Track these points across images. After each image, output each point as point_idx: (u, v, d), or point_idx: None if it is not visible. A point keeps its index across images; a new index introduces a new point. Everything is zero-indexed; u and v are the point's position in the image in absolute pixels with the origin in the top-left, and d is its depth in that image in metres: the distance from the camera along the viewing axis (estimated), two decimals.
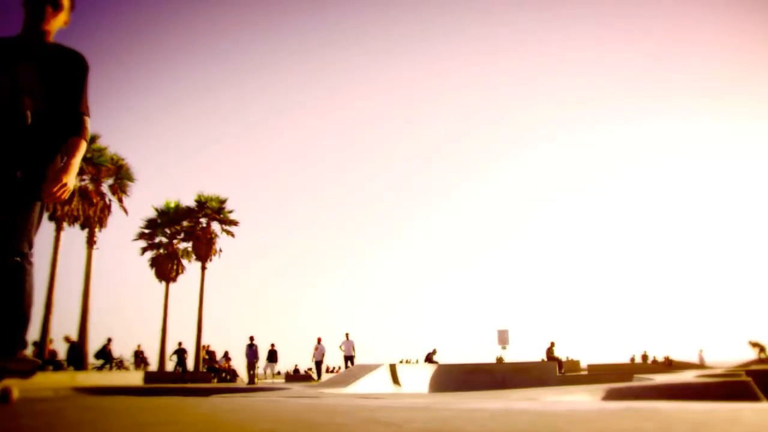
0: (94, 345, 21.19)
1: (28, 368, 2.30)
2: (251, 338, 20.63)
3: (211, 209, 28.55)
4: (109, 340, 20.39)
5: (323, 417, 1.78)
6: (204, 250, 27.90)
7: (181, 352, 21.83)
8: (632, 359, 34.74)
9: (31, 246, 2.42)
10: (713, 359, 29.81)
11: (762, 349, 28.58)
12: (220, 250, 28.52)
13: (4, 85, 2.42)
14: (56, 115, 2.51)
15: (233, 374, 22.41)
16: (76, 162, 2.48)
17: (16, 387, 2.32)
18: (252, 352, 20.39)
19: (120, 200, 24.21)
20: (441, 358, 23.69)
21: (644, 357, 33.63)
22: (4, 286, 2.32)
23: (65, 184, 2.39)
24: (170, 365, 22.80)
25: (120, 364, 21.58)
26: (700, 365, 27.58)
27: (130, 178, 24.49)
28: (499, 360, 23.60)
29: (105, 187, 23.82)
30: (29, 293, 2.38)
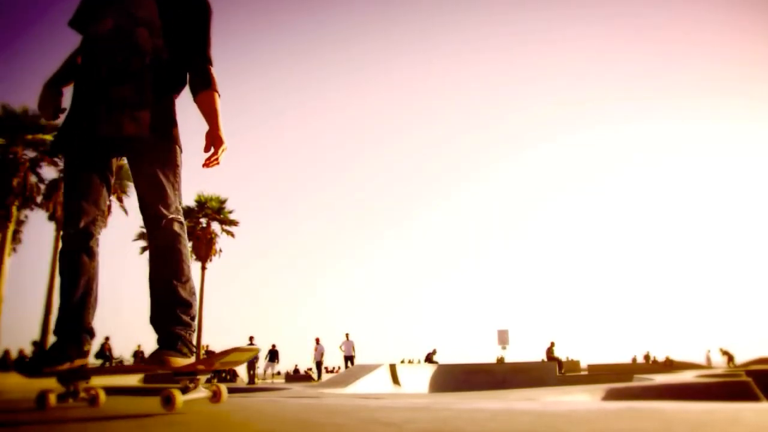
0: (94, 345, 21.16)
1: (192, 369, 1.87)
2: (251, 338, 20.63)
3: (211, 209, 28.55)
4: (107, 338, 20.35)
5: (323, 417, 1.78)
6: (204, 250, 27.89)
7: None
8: (634, 359, 34.71)
9: (179, 210, 2.14)
10: (720, 360, 29.73)
11: (731, 358, 28.37)
12: (220, 250, 28.54)
13: (120, 14, 2.15)
14: (178, 56, 2.21)
15: (233, 374, 22.42)
16: (221, 123, 2.18)
17: (199, 390, 1.92)
18: None
19: (120, 200, 24.20)
20: (441, 358, 23.68)
21: (646, 357, 33.60)
22: (160, 260, 2.06)
23: (225, 148, 2.15)
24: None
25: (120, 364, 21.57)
26: (708, 366, 27.52)
27: (130, 179, 24.46)
28: (500, 360, 23.58)
29: None
30: (186, 263, 2.08)
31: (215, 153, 2.14)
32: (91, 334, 2.16)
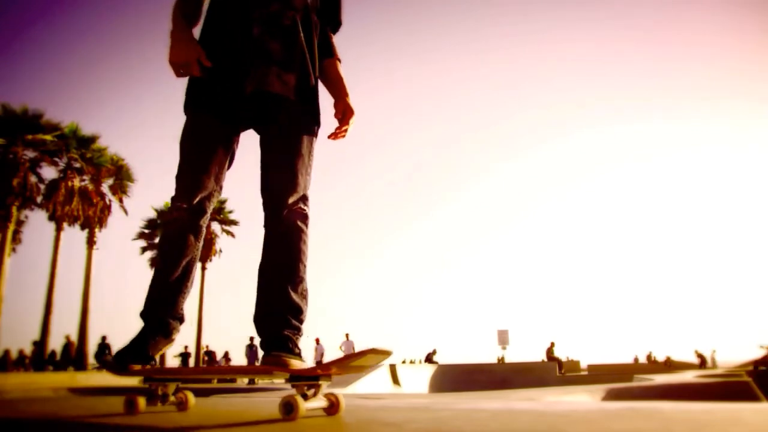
0: (94, 345, 21.19)
1: (310, 371, 1.59)
2: (251, 339, 20.62)
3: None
4: (104, 338, 20.33)
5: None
6: (204, 250, 27.90)
7: (185, 356, 21.96)
8: (635, 360, 34.68)
9: (306, 198, 1.88)
10: (726, 359, 29.65)
11: (704, 361, 28.05)
12: (220, 250, 28.55)
13: None
14: (321, 18, 2.03)
15: None
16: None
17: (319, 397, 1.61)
18: (252, 352, 20.38)
19: (120, 200, 24.18)
20: (441, 359, 23.68)
21: (648, 358, 33.56)
22: (275, 253, 1.81)
23: (354, 120, 2.00)
24: (171, 365, 22.85)
25: None
26: (712, 366, 27.48)
27: (130, 179, 24.47)
28: (501, 360, 23.58)
29: (105, 188, 23.80)
30: (303, 263, 1.83)
31: (346, 123, 2.01)
32: (182, 320, 1.94)
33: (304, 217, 1.85)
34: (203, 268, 27.82)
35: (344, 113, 2.03)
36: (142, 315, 1.87)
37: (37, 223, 47.95)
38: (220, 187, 1.95)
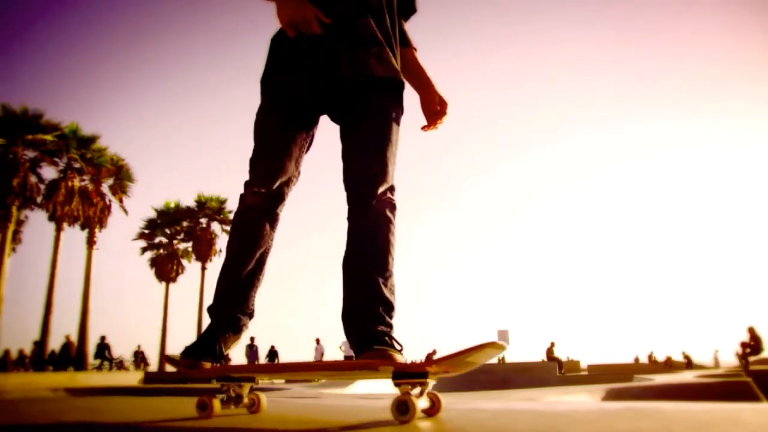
0: (94, 345, 21.20)
1: (417, 368, 1.42)
2: (252, 339, 20.63)
3: (211, 209, 28.57)
4: (103, 338, 20.32)
5: (323, 417, 1.78)
6: (204, 250, 27.91)
7: None
8: (636, 360, 34.67)
9: (394, 188, 1.75)
10: (726, 360, 29.64)
11: (655, 362, 27.79)
12: (220, 251, 28.52)
13: None
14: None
15: None
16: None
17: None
18: (252, 352, 20.39)
19: (120, 200, 24.20)
20: None
21: (649, 357, 33.53)
22: (364, 246, 1.68)
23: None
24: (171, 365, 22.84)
25: (120, 364, 21.58)
26: (715, 366, 27.45)
27: (130, 179, 24.49)
28: (502, 360, 23.59)
29: (105, 188, 23.83)
30: (392, 256, 1.69)
31: (444, 113, 1.95)
32: (252, 316, 1.82)
33: (393, 208, 1.74)
34: (203, 268, 27.84)
35: (441, 103, 1.96)
36: (211, 310, 1.78)
37: (37, 223, 48.01)
38: (299, 173, 1.83)
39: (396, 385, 1.41)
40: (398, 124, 1.79)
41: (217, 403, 1.62)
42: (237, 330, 1.77)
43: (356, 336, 1.62)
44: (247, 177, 1.81)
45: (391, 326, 1.62)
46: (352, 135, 1.77)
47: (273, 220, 1.81)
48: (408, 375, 1.42)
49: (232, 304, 1.76)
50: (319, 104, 1.81)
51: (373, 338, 1.55)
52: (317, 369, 1.73)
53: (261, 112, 1.84)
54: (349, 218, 1.73)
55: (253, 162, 1.80)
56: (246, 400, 1.70)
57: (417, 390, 1.41)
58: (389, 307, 1.64)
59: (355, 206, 1.71)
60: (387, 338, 1.56)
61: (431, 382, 1.45)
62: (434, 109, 1.96)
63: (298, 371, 1.73)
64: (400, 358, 1.49)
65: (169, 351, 23.24)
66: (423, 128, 1.98)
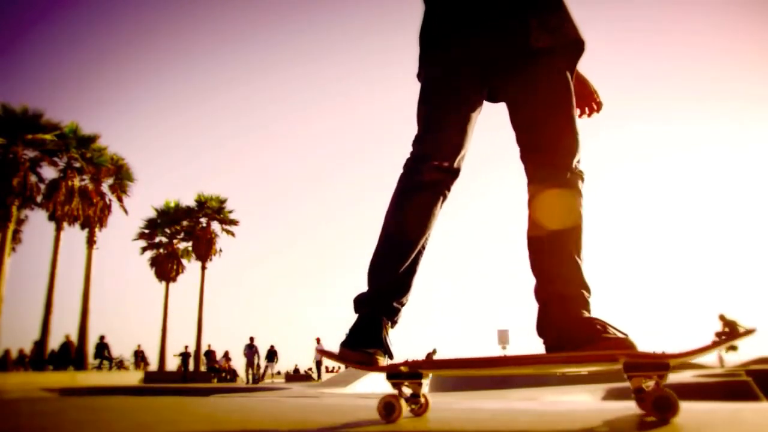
0: (94, 345, 21.22)
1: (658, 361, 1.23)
2: (251, 339, 20.64)
3: (211, 209, 28.57)
4: (102, 337, 20.33)
5: (323, 417, 1.78)
6: (204, 250, 27.91)
7: (185, 356, 22.00)
8: None
9: (580, 161, 1.59)
10: (728, 359, 29.63)
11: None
12: (220, 250, 28.58)
13: None
14: None
15: (233, 374, 22.44)
16: None
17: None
18: (251, 352, 20.39)
19: (120, 200, 24.22)
20: (441, 358, 23.65)
21: None
22: (558, 223, 1.52)
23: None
24: (171, 365, 22.91)
25: (120, 364, 21.60)
26: (719, 365, 27.44)
27: (130, 178, 24.51)
28: None
29: (105, 187, 23.86)
30: (584, 234, 1.54)
31: (597, 94, 1.83)
32: (404, 305, 1.66)
33: (584, 180, 1.58)
34: (203, 268, 27.85)
35: (595, 90, 1.86)
36: (370, 299, 1.60)
37: (37, 223, 48.03)
38: (468, 150, 1.67)
39: (629, 377, 1.25)
40: (572, 93, 1.62)
41: (404, 404, 1.44)
42: (395, 323, 1.63)
43: (565, 323, 1.43)
44: (412, 149, 1.65)
45: (590, 312, 1.46)
46: (540, 104, 1.58)
47: (444, 200, 1.65)
48: (645, 367, 1.25)
49: (395, 294, 1.60)
50: (499, 72, 1.64)
51: (592, 326, 1.37)
52: (544, 362, 1.45)
53: (438, 77, 1.67)
54: (534, 193, 1.58)
55: (429, 131, 1.62)
56: (423, 399, 1.53)
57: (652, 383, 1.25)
58: (588, 291, 1.49)
59: (545, 177, 1.55)
60: (605, 325, 1.37)
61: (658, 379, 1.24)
62: (597, 97, 1.85)
63: (522, 364, 1.44)
64: (637, 347, 1.31)
65: (172, 350, 23.27)
66: (589, 114, 1.85)
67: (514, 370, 1.50)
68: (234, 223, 29.07)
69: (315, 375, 22.82)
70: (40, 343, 20.01)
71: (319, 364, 21.35)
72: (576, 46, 1.62)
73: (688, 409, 1.57)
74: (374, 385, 11.10)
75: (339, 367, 31.07)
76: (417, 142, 1.64)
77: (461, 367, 1.49)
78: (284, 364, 36.55)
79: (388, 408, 1.32)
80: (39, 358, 19.73)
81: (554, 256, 1.50)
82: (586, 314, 1.43)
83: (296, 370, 31.59)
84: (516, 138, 1.63)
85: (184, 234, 28.66)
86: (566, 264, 1.49)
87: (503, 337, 25.97)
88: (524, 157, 1.61)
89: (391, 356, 1.56)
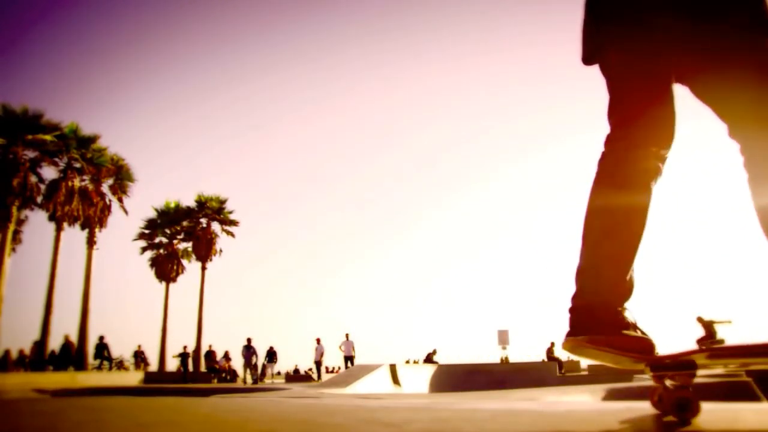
0: (94, 345, 21.22)
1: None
2: (248, 340, 20.66)
3: (211, 209, 28.58)
4: (101, 338, 20.32)
5: (323, 417, 1.78)
6: (204, 250, 27.91)
7: (184, 356, 22.01)
8: None
9: None
10: None
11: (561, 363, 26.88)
12: (220, 250, 28.57)
13: None
14: None
15: (233, 374, 22.45)
16: None
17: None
18: (249, 353, 20.40)
19: (120, 200, 24.23)
20: (441, 359, 23.70)
21: None
22: None
23: None
24: (171, 365, 22.90)
25: (120, 364, 21.60)
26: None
27: (130, 179, 24.52)
28: (505, 360, 23.58)
29: (105, 188, 23.86)
30: None
31: None
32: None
33: None
34: (203, 268, 27.85)
35: None
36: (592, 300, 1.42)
37: (37, 223, 47.99)
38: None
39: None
40: None
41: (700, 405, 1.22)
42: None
43: None
44: (613, 130, 1.48)
45: None
46: (746, 81, 1.38)
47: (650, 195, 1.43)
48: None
49: (626, 298, 1.44)
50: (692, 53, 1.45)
51: None
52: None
53: (639, 56, 1.47)
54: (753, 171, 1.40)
55: (640, 114, 1.44)
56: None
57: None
58: None
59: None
60: None
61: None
62: None
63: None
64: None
65: (172, 351, 23.26)
66: None
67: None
68: (234, 223, 29.09)
69: (315, 375, 22.83)
70: (40, 344, 20.01)
71: (318, 364, 21.36)
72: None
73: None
74: (375, 385, 11.10)
75: (339, 368, 31.07)
76: (628, 119, 1.46)
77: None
78: (284, 365, 36.58)
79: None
80: (39, 358, 19.73)
81: None
82: None
83: (296, 370, 31.60)
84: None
85: (184, 234, 28.66)
86: None
87: (503, 337, 25.98)
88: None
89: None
